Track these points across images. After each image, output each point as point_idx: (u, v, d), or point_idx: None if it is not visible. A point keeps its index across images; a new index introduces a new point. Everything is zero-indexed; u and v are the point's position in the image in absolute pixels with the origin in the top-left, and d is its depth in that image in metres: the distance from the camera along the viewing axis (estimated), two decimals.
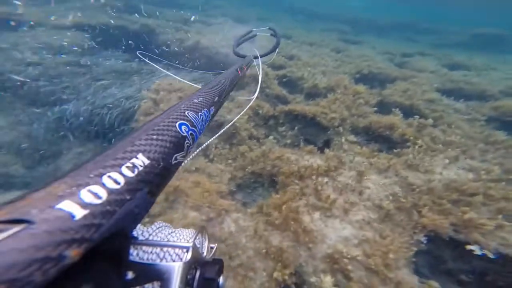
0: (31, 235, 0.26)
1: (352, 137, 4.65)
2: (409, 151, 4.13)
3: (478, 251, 2.80)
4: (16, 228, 0.26)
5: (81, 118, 5.37)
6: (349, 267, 2.52)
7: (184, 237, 0.62)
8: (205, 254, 0.64)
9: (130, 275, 0.44)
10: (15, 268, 0.23)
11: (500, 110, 6.15)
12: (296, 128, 4.96)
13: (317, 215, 2.98)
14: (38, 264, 0.25)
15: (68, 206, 0.31)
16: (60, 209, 0.30)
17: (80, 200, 0.32)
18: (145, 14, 10.74)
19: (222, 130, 1.30)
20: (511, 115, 6.03)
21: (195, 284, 0.51)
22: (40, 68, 6.30)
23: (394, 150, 4.37)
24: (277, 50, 2.62)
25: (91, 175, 0.37)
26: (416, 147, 4.21)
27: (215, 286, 0.54)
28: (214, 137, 1.24)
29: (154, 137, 0.51)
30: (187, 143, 0.59)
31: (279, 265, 2.55)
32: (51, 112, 5.47)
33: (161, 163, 0.47)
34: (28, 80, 6.03)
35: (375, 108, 5.44)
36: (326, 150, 4.14)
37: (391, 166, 3.72)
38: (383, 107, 5.72)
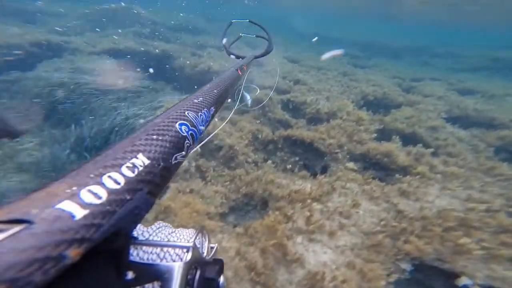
0: (31, 235, 0.26)
1: (351, 164, 4.58)
2: (405, 179, 4.07)
3: (468, 282, 2.71)
4: (16, 228, 0.26)
5: (97, 138, 5.47)
6: None
7: (184, 237, 0.62)
8: (205, 254, 0.63)
9: (130, 275, 0.43)
10: (15, 268, 0.23)
11: (506, 140, 5.87)
12: (295, 153, 4.92)
13: (299, 239, 2.95)
14: (38, 264, 0.25)
15: (68, 206, 0.30)
16: (60, 209, 0.30)
17: (80, 200, 0.32)
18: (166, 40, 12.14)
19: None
20: None
21: (195, 284, 0.50)
22: (67, 90, 6.61)
23: (390, 178, 4.32)
24: (272, 48, 2.51)
25: (91, 175, 0.36)
26: (412, 176, 4.15)
27: (215, 286, 0.53)
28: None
29: (154, 137, 0.51)
30: (187, 143, 0.59)
31: (258, 287, 2.54)
32: (71, 133, 5.60)
33: (161, 163, 0.47)
34: (57, 102, 6.34)
35: (375, 135, 5.33)
36: (319, 176, 4.11)
37: (383, 193, 3.67)
38: (385, 134, 5.66)
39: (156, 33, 13.04)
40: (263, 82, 7.25)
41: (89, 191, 0.34)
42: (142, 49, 9.53)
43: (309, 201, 3.38)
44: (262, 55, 2.45)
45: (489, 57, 17.65)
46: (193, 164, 4.20)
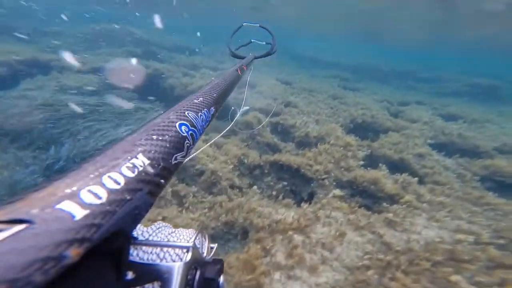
0: (32, 235, 0.26)
1: (337, 191, 4.54)
2: (391, 208, 4.04)
3: None
4: (17, 228, 0.26)
5: (75, 160, 5.19)
6: None
7: (184, 237, 0.61)
8: (205, 254, 0.63)
9: (130, 275, 0.44)
10: (16, 268, 0.23)
11: (490, 169, 5.99)
12: (282, 178, 4.88)
13: (277, 275, 2.81)
14: (39, 264, 0.25)
15: (68, 206, 0.31)
16: (60, 209, 0.30)
17: (80, 200, 0.32)
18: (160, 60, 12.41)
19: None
20: (501, 175, 5.84)
21: (195, 284, 0.50)
22: (47, 110, 6.37)
23: (377, 206, 4.30)
24: (275, 49, 2.51)
25: (91, 175, 0.37)
26: (399, 205, 4.14)
27: (215, 286, 0.54)
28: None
29: (154, 137, 0.52)
30: (187, 143, 0.60)
31: None
32: (48, 155, 5.26)
33: (161, 163, 0.48)
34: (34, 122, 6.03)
35: (362, 162, 5.35)
36: (303, 204, 4.04)
37: (369, 223, 3.60)
38: (373, 160, 5.72)
39: (150, 53, 13.30)
40: (254, 103, 7.38)
41: (89, 191, 0.34)
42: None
43: (290, 232, 3.27)
44: (263, 56, 2.47)
45: (468, 83, 18.69)
46: (169, 189, 4.06)
